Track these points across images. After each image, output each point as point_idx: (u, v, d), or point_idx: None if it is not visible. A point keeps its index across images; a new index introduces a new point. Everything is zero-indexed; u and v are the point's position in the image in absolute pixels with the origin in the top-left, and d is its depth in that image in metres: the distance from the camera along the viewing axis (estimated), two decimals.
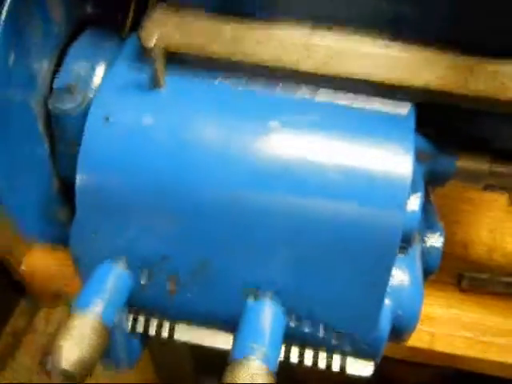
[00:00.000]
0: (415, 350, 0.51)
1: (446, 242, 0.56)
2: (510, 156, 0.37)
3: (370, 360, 0.37)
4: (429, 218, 0.42)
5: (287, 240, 0.33)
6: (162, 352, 0.81)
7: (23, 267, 0.56)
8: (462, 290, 0.53)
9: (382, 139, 0.32)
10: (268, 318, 0.33)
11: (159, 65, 0.32)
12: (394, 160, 0.32)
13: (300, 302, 0.34)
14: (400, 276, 0.36)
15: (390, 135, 0.33)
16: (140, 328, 0.38)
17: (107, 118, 0.33)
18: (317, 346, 0.36)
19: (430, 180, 0.38)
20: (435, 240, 0.42)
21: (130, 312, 0.37)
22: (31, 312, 1.51)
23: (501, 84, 0.32)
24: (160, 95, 0.34)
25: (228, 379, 0.30)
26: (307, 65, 0.33)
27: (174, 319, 0.37)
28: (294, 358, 0.37)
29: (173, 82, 0.35)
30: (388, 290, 0.35)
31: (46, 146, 0.36)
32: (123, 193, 0.33)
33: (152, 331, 0.38)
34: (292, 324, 0.35)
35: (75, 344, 0.29)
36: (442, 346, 0.51)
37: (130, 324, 0.38)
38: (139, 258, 0.35)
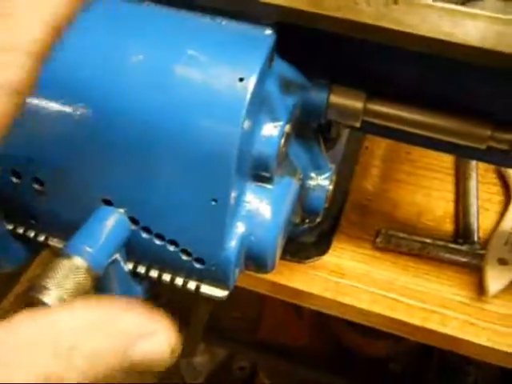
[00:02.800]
0: (320, 299, 0.51)
1: (375, 199, 0.55)
2: (386, 94, 0.37)
3: (223, 284, 0.37)
4: (316, 158, 0.42)
5: (134, 149, 0.33)
6: None
7: None
8: (378, 248, 0.52)
9: (232, 57, 0.32)
10: (108, 225, 0.34)
11: None
12: (235, 79, 0.32)
13: (149, 214, 0.35)
14: (257, 203, 0.36)
15: (241, 54, 0.33)
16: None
17: None
18: (169, 263, 0.37)
19: (304, 114, 0.37)
20: (321, 180, 0.42)
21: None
22: None
23: (353, 4, 0.31)
24: None
25: (48, 268, 0.31)
26: None
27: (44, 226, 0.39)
28: (153, 273, 0.38)
29: None
30: (242, 213, 0.36)
31: None
32: None
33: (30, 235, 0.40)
34: (144, 236, 0.36)
35: None
36: (347, 298, 0.50)
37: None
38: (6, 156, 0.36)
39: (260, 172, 0.36)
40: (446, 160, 0.58)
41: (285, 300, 0.52)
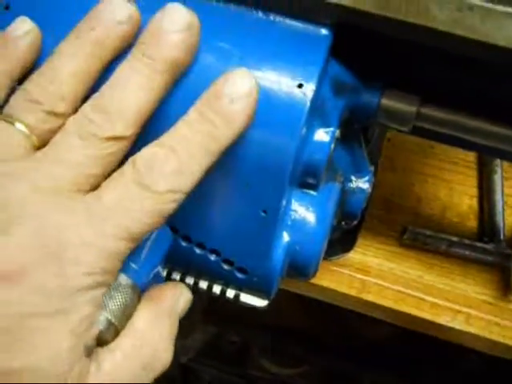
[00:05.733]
0: (344, 297, 0.50)
1: (399, 194, 0.54)
2: (441, 100, 0.35)
3: (264, 294, 0.36)
4: (357, 161, 0.40)
5: None
6: None
7: None
8: (404, 245, 0.51)
9: (288, 60, 0.30)
10: (151, 237, 0.32)
11: None
12: (293, 85, 0.29)
13: (190, 223, 0.33)
14: (303, 212, 0.35)
15: (298, 56, 0.30)
16: None
17: (7, 7, 0.32)
18: (208, 272, 0.35)
19: (352, 116, 0.35)
20: (361, 183, 0.40)
21: None
22: None
23: (425, 8, 0.29)
24: None
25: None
26: None
27: None
28: (189, 280, 0.36)
29: None
30: (288, 222, 0.34)
31: None
32: None
33: None
34: (184, 244, 0.34)
35: None
36: (372, 296, 0.49)
37: None
38: None
39: (307, 179, 0.34)
40: (470, 154, 0.57)
41: (311, 297, 0.51)
